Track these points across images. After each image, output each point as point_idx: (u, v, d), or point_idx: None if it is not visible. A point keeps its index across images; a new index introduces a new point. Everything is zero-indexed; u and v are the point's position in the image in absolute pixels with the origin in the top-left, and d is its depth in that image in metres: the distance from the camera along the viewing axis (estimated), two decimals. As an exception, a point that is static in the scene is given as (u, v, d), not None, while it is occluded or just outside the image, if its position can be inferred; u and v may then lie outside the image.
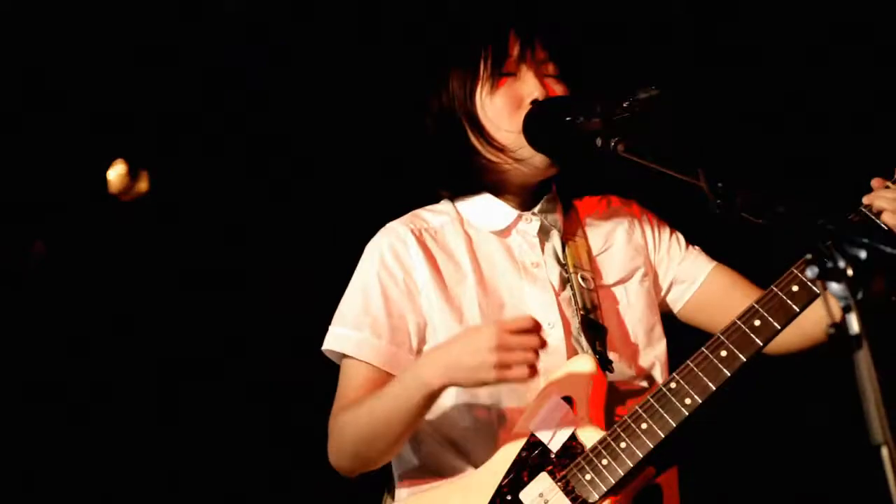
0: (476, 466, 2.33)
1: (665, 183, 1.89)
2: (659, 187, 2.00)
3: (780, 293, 2.17)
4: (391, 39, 3.14)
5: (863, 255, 1.52)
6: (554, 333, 2.37)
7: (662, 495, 2.24)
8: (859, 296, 1.50)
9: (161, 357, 3.51)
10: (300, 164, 3.48)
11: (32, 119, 3.34)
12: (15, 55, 3.31)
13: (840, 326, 1.50)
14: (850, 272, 1.51)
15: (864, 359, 1.48)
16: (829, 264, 1.53)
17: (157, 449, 3.49)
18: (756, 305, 2.18)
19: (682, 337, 2.31)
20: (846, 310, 1.50)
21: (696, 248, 2.56)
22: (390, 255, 2.42)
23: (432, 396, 2.21)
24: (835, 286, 1.52)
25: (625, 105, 2.09)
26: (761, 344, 2.16)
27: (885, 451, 1.45)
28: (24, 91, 3.33)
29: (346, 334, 2.40)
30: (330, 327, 2.44)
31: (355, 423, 2.28)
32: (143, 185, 3.51)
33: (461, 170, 2.42)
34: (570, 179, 2.50)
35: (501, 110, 2.35)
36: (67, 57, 3.33)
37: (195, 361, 3.49)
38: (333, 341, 2.41)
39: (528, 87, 2.35)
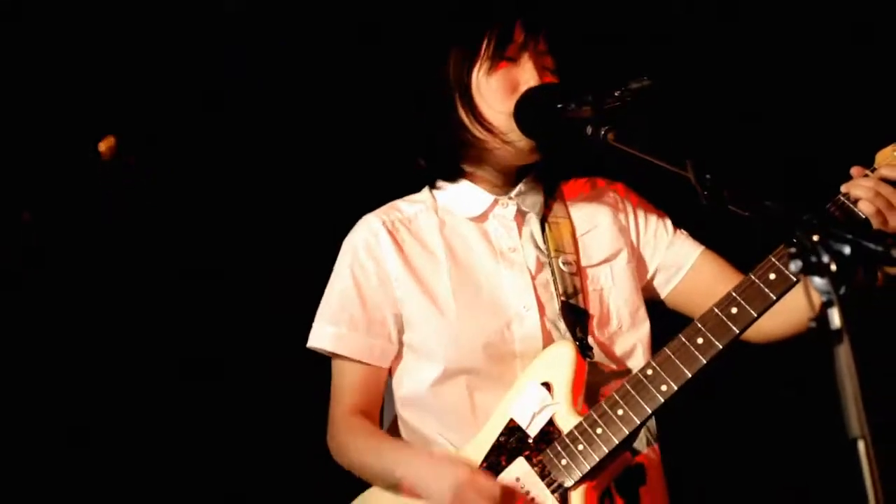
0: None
1: (654, 173, 1.90)
2: (647, 177, 2.00)
3: (757, 281, 2.18)
4: (394, 10, 3.11)
5: (846, 250, 1.54)
6: (530, 317, 2.38)
7: (645, 475, 2.26)
8: (842, 291, 1.51)
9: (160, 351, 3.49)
10: (294, 155, 3.48)
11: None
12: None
13: (821, 320, 1.52)
14: (833, 267, 1.53)
15: (844, 353, 1.50)
16: (813, 259, 1.54)
17: (158, 448, 3.48)
18: (733, 293, 2.19)
19: (668, 319, 2.31)
20: (828, 304, 1.52)
21: (684, 232, 2.56)
22: (363, 248, 2.47)
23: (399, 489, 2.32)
24: (818, 280, 1.53)
25: (616, 94, 2.09)
26: (737, 331, 2.18)
27: (861, 445, 1.47)
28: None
29: (326, 331, 2.47)
30: (314, 324, 2.51)
31: (350, 459, 2.43)
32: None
33: (446, 143, 2.42)
34: (555, 164, 2.50)
35: (496, 91, 2.35)
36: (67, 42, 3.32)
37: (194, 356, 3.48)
38: (315, 338, 2.49)
39: (526, 74, 2.35)
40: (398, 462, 2.32)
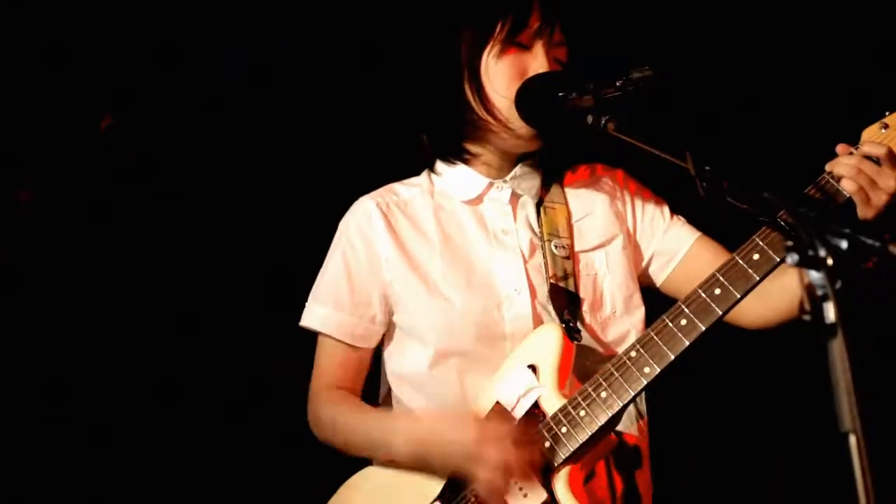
0: None
1: (653, 163, 1.90)
2: (647, 166, 2.00)
3: (740, 261, 2.18)
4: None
5: (843, 244, 1.55)
6: (520, 299, 2.39)
7: (642, 456, 2.28)
8: (838, 285, 1.52)
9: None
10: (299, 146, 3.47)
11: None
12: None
13: (816, 314, 1.53)
14: (829, 261, 1.54)
15: (838, 347, 1.51)
16: (810, 252, 1.55)
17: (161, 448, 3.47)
18: (717, 274, 2.19)
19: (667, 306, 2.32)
20: (824, 299, 1.53)
21: (681, 218, 2.56)
22: (354, 230, 2.50)
23: (393, 460, 2.32)
24: (814, 274, 1.54)
25: (618, 84, 2.09)
26: (721, 312, 2.18)
27: (852, 439, 1.49)
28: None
29: (315, 310, 2.52)
30: (307, 303, 2.55)
31: (332, 431, 2.43)
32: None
33: (451, 121, 2.43)
34: (555, 151, 2.50)
35: (504, 76, 2.35)
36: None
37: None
38: (305, 317, 2.54)
39: (536, 63, 2.35)
40: (397, 431, 2.33)
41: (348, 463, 2.47)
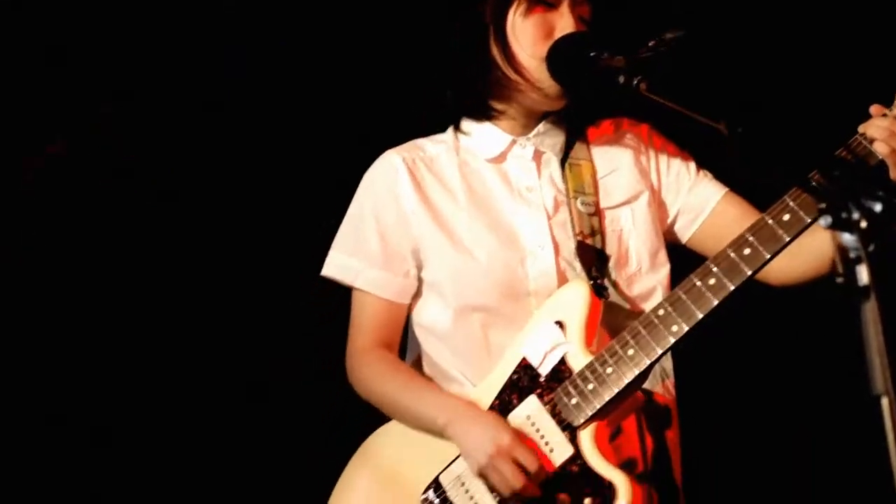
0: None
1: (685, 124, 1.88)
2: (679, 127, 1.99)
3: (770, 222, 2.17)
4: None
5: (877, 207, 1.53)
6: (544, 256, 2.40)
7: (671, 415, 2.29)
8: (871, 247, 1.51)
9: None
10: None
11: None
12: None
13: (848, 276, 1.52)
14: (863, 224, 1.53)
15: (870, 310, 1.51)
16: (843, 215, 1.54)
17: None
18: (746, 234, 2.18)
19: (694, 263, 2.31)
20: (856, 261, 1.52)
21: (707, 174, 2.53)
22: (381, 184, 2.49)
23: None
24: (847, 237, 1.53)
25: (650, 44, 2.07)
26: (749, 272, 2.17)
27: (885, 402, 1.48)
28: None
29: (343, 261, 2.51)
30: (329, 253, 2.54)
31: (379, 394, 2.47)
32: None
33: (477, 79, 2.41)
34: (581, 109, 2.48)
35: (530, 35, 2.33)
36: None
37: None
38: (331, 267, 2.53)
39: (563, 22, 2.33)
40: (442, 408, 2.36)
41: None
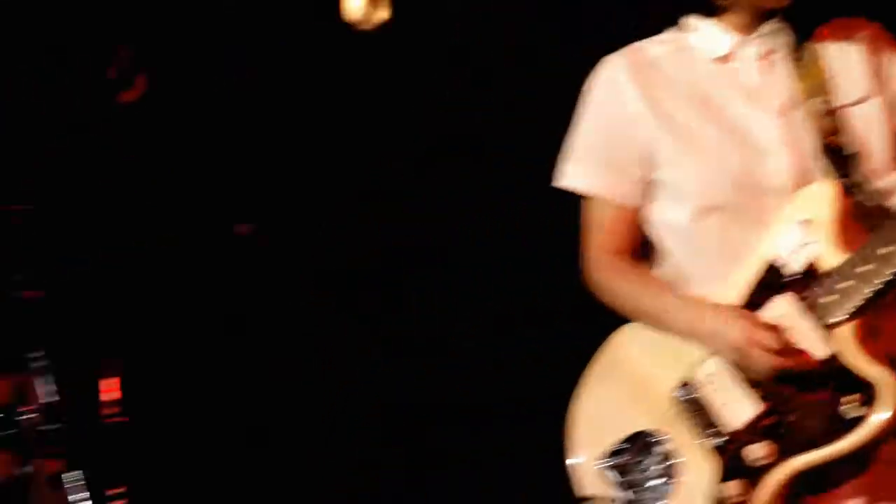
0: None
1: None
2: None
3: None
4: None
5: None
6: (779, 155, 2.34)
7: None
8: None
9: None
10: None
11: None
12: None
13: None
14: None
15: None
16: None
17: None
18: None
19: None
20: None
21: None
22: (605, 89, 2.47)
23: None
24: None
25: None
26: None
27: None
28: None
29: (572, 170, 2.50)
30: (557, 165, 2.53)
31: (613, 299, 2.45)
32: (383, 12, 3.36)
33: None
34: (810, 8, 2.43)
35: None
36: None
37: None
38: (562, 176, 2.52)
39: None
40: (683, 308, 2.35)
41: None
